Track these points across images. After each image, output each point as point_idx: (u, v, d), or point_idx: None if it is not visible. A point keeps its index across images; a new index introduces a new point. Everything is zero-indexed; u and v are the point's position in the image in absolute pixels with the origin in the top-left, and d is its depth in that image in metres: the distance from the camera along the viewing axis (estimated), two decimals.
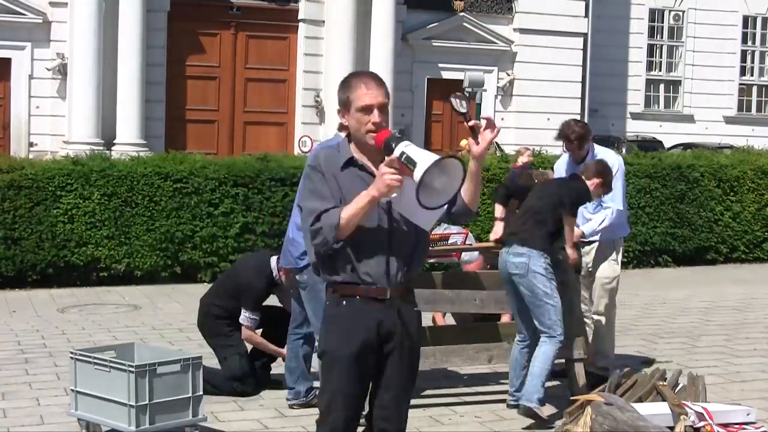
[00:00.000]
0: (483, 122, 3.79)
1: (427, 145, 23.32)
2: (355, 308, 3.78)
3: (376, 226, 3.77)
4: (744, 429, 5.91)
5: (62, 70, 20.24)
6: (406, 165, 3.56)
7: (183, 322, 9.36)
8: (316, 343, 6.15)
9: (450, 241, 7.28)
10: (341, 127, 5.86)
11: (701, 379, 6.24)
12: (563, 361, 6.76)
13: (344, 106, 3.81)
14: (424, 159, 3.52)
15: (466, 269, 7.68)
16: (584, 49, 25.24)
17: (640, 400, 5.99)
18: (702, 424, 5.82)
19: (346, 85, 3.85)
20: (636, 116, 27.56)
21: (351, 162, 3.79)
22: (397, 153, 3.59)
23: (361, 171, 3.78)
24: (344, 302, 3.79)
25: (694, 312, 10.40)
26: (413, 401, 6.59)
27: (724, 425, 5.95)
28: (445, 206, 3.74)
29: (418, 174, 3.51)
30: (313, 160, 3.88)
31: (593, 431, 5.34)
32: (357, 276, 3.77)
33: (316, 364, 5.64)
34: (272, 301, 7.13)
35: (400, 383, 3.89)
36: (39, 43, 20.48)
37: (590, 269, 7.12)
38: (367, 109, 3.74)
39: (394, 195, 3.65)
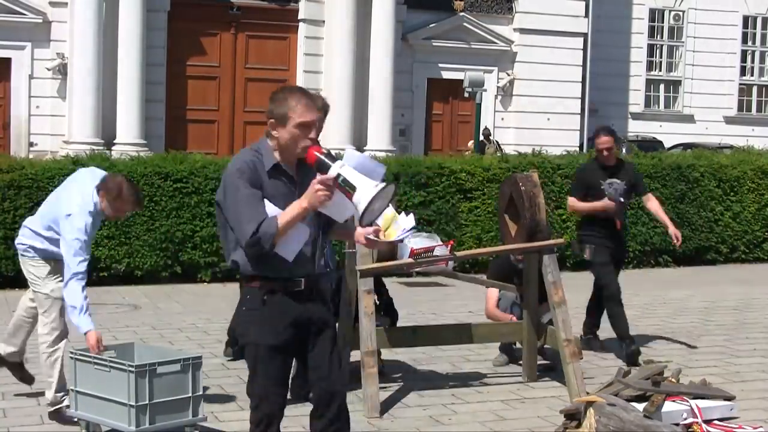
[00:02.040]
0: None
1: (428, 145, 23.36)
2: (277, 302, 4.13)
3: (302, 228, 4.11)
4: (743, 429, 5.93)
5: (62, 70, 20.26)
6: (343, 187, 3.93)
7: (183, 322, 9.36)
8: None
9: (435, 254, 7.21)
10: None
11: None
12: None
13: (279, 120, 4.05)
14: (363, 187, 3.91)
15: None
16: (584, 49, 25.26)
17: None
18: (691, 420, 5.87)
19: (282, 100, 4.07)
20: (636, 116, 27.59)
21: (275, 168, 4.09)
22: (332, 173, 3.94)
23: (285, 178, 4.12)
24: (265, 297, 4.12)
25: (694, 312, 10.40)
26: (413, 401, 6.63)
27: (723, 426, 5.98)
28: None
29: (361, 202, 3.91)
30: (242, 165, 4.06)
31: None
32: (278, 272, 4.10)
33: None
34: None
35: (326, 355, 4.27)
36: (39, 43, 20.51)
37: None
38: (306, 126, 4.04)
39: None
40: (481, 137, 21.65)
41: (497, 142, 22.91)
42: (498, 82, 24.38)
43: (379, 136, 21.69)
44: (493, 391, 6.99)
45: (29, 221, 6.30)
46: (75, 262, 5.68)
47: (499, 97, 24.51)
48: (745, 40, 28.63)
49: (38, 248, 6.15)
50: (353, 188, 3.92)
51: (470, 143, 22.23)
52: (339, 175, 3.94)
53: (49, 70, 20.43)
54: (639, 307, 10.56)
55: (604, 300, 8.14)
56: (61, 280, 5.90)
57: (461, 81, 21.69)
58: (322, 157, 3.99)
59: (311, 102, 4.11)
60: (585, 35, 25.14)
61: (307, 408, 6.33)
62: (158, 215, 11.62)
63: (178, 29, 21.33)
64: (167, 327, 9.22)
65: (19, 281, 11.25)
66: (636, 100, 27.71)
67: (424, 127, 23.87)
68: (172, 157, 12.32)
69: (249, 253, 4.03)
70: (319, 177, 3.95)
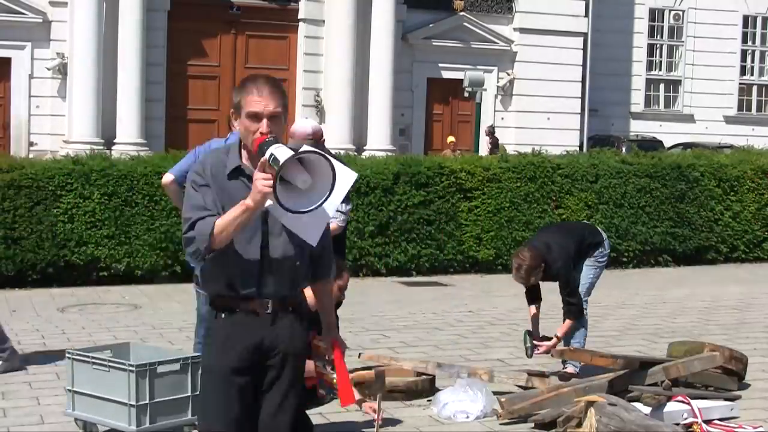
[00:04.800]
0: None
1: (427, 145, 23.35)
2: (233, 322, 3.65)
3: (253, 238, 3.62)
4: (743, 429, 5.94)
5: (62, 70, 20.26)
6: (272, 166, 3.36)
7: (183, 322, 9.35)
8: None
9: None
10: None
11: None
12: None
13: (236, 109, 3.65)
14: (284, 156, 3.35)
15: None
16: (584, 49, 25.26)
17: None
18: (691, 420, 5.88)
19: (240, 88, 3.68)
20: (636, 116, 27.58)
21: (237, 171, 3.63)
22: (267, 156, 3.40)
23: (249, 180, 3.57)
24: (222, 316, 3.67)
25: (694, 312, 10.39)
26: (413, 401, 6.62)
27: (723, 425, 5.98)
28: (315, 209, 3.47)
29: (282, 174, 3.35)
30: (199, 166, 3.68)
31: None
32: (234, 289, 3.63)
33: None
34: None
35: (279, 399, 3.70)
36: (39, 43, 20.50)
37: None
38: (255, 117, 3.57)
39: (269, 203, 3.46)
40: (491, 137, 21.83)
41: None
42: (498, 82, 24.38)
43: (379, 135, 21.69)
44: (493, 391, 6.98)
45: None
46: None
47: (499, 97, 24.50)
48: (745, 40, 28.62)
49: None
50: (277, 163, 3.34)
51: (449, 139, 22.47)
52: (271, 155, 3.38)
53: (49, 69, 20.42)
54: (639, 307, 10.56)
55: None
56: None
57: (461, 81, 21.69)
58: (264, 142, 3.49)
59: (268, 90, 3.61)
60: (585, 35, 25.13)
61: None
62: (158, 215, 11.62)
63: (178, 29, 21.33)
64: (167, 326, 9.22)
65: (19, 281, 11.27)
66: (636, 99, 27.70)
67: (423, 127, 23.87)
68: (173, 156, 12.29)
69: (190, 258, 3.57)
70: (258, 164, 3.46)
